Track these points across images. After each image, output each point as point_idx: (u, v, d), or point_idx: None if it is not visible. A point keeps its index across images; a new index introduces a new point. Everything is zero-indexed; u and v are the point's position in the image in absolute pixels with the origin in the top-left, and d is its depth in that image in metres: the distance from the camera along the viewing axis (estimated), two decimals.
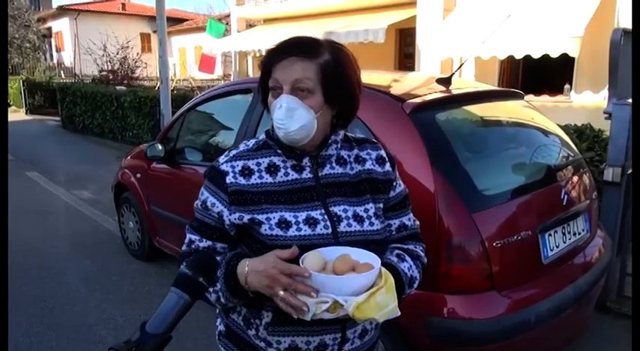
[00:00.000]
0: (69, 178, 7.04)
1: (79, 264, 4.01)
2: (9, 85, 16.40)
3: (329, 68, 1.10)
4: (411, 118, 2.07)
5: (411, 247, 1.25)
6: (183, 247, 1.20)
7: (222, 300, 1.10)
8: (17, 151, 9.16)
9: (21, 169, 7.68)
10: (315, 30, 10.20)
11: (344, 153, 1.21)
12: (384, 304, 0.97)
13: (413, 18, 9.55)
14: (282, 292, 0.99)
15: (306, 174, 1.16)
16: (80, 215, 5.37)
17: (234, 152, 1.19)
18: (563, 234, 2.22)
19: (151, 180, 3.72)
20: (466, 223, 1.89)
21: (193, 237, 1.18)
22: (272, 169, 1.16)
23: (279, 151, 1.17)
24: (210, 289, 1.10)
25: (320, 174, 1.17)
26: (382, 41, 9.13)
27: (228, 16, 15.37)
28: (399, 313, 1.00)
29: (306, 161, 1.16)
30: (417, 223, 1.30)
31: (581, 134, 3.88)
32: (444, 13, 9.13)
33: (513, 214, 2.05)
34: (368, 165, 1.22)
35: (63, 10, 25.23)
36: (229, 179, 1.14)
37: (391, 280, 1.02)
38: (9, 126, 11.85)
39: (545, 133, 2.58)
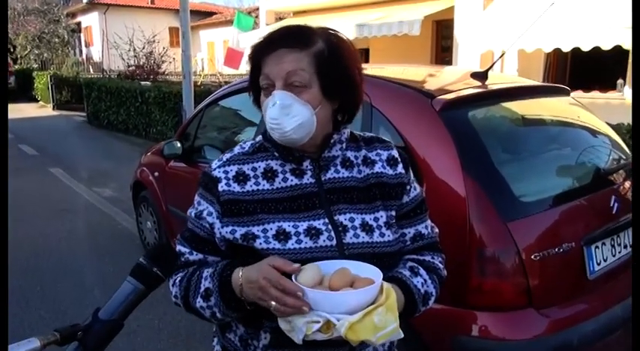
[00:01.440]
0: (91, 175, 7.20)
1: (96, 264, 4.06)
2: (38, 80, 16.99)
3: (324, 57, 1.03)
4: (440, 115, 1.98)
5: (427, 258, 1.16)
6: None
7: (219, 315, 1.04)
8: (42, 146, 9.46)
9: (45, 165, 7.91)
10: (347, 22, 10.12)
11: (350, 154, 1.13)
12: (383, 325, 0.90)
13: (451, 8, 9.36)
14: (273, 303, 0.92)
15: (308, 179, 1.09)
16: (100, 213, 5.46)
17: (228, 156, 1.13)
18: (612, 246, 2.08)
19: (169, 179, 3.73)
20: (500, 232, 1.79)
21: (183, 249, 1.12)
22: (269, 175, 1.09)
23: (276, 153, 1.10)
24: (204, 305, 1.04)
25: (323, 178, 1.09)
26: (417, 33, 8.96)
27: (257, 9, 15.46)
28: (402, 335, 0.93)
29: (306, 165, 1.09)
30: (436, 230, 1.21)
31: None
32: (485, 2, 8.90)
33: (555, 224, 1.93)
34: (377, 167, 1.13)
35: (92, 5, 25.97)
36: (222, 187, 1.08)
37: (393, 297, 0.94)
38: (36, 121, 12.23)
39: (594, 133, 2.44)
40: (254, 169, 1.10)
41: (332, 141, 1.10)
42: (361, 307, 0.90)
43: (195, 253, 1.11)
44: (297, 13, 13.65)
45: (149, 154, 4.25)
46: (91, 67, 23.31)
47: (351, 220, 1.07)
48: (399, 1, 10.31)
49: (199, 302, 1.05)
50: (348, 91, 1.07)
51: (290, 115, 1.01)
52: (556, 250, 1.84)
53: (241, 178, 1.08)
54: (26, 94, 17.77)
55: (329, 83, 1.04)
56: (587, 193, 2.09)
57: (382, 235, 1.08)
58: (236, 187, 1.08)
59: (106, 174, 7.29)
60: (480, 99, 2.21)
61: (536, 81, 3.00)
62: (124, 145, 9.95)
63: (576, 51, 7.24)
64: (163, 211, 3.83)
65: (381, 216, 1.09)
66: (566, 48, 7.14)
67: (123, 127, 11.18)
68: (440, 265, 1.17)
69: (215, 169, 1.10)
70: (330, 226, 1.05)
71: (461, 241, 1.79)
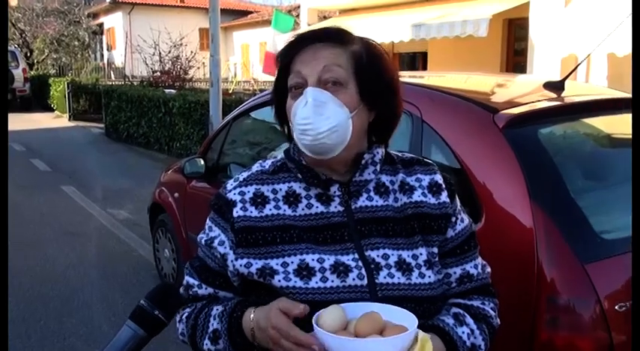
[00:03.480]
0: (106, 195, 7.46)
1: (107, 297, 4.18)
2: (54, 87, 17.86)
3: (362, 59, 1.06)
4: (504, 133, 1.96)
5: (475, 303, 1.14)
6: (182, 291, 1.18)
7: None
8: (55, 162, 9.89)
9: (57, 182, 8.26)
10: (401, 22, 10.18)
11: (385, 179, 1.13)
12: None
13: (525, 5, 9.26)
14: None
15: (335, 206, 1.09)
16: (114, 238, 5.64)
17: (245, 175, 1.15)
18: None
19: (190, 201, 3.82)
20: (576, 276, 1.73)
21: (192, 281, 1.15)
22: (291, 199, 1.10)
23: (299, 175, 1.11)
24: (212, 348, 1.07)
25: (353, 207, 1.09)
26: (485, 35, 8.90)
27: (298, 7, 15.79)
28: None
29: (334, 190, 1.10)
30: (488, 270, 1.20)
31: None
32: None
33: None
34: (417, 195, 1.12)
35: (116, 4, 27.29)
36: (237, 212, 1.09)
37: (429, 348, 0.93)
38: (50, 133, 12.75)
39: None
40: (274, 192, 1.10)
41: (363, 162, 1.09)
42: None
43: (204, 286, 1.13)
44: (343, 12, 13.84)
45: (169, 172, 4.37)
46: (112, 72, 24.35)
47: (385, 257, 1.06)
48: None
49: (207, 345, 1.07)
50: (386, 99, 1.09)
51: (324, 115, 1.02)
52: None
53: (259, 200, 1.09)
54: (41, 103, 18.70)
55: (367, 86, 1.06)
56: None
57: (422, 275, 1.06)
58: (253, 212, 1.08)
59: (123, 194, 7.54)
60: (553, 114, 2.18)
61: (627, 92, 2.91)
62: (144, 161, 10.28)
63: None
64: (183, 239, 3.92)
65: (421, 253, 1.08)
66: None
67: (144, 140, 11.56)
68: (492, 311, 1.15)
69: (230, 191, 1.12)
70: (360, 263, 1.05)
71: (527, 287, 1.74)
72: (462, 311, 1.11)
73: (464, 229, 1.15)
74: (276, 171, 1.13)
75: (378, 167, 1.12)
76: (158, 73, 16.40)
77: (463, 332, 1.07)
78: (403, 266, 1.06)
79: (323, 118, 1.01)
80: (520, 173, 1.86)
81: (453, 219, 1.14)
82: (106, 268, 4.76)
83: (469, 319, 1.10)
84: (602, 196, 2.06)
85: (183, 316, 1.14)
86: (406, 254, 1.07)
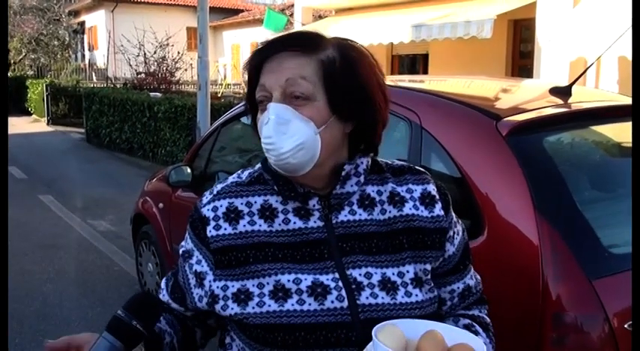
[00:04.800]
0: (87, 205, 7.45)
1: (86, 313, 4.17)
2: (31, 90, 17.85)
3: (334, 66, 1.03)
4: (507, 141, 1.97)
5: (476, 313, 1.19)
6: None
7: None
8: (32, 169, 9.87)
9: (34, 191, 8.24)
10: (401, 22, 10.23)
11: (371, 190, 1.12)
12: None
13: (532, 5, 9.33)
14: None
15: (315, 221, 1.08)
16: (94, 251, 5.63)
17: (219, 187, 1.15)
18: None
19: (175, 212, 3.82)
20: (584, 292, 1.74)
21: (162, 285, 1.20)
22: (267, 214, 1.09)
23: (275, 188, 1.10)
24: None
25: (334, 221, 1.08)
26: (489, 36, 8.95)
27: (292, 6, 15.84)
28: None
29: (313, 203, 1.08)
30: (479, 277, 1.23)
31: None
32: None
33: None
34: (408, 208, 1.11)
35: (99, 2, 27.28)
36: (210, 231, 1.09)
37: None
38: (27, 139, 12.68)
39: None
40: (249, 205, 1.10)
41: (344, 173, 1.07)
42: None
43: (165, 293, 1.19)
44: (340, 11, 13.90)
45: (154, 180, 4.37)
46: (94, 74, 24.34)
47: (368, 275, 1.05)
48: None
49: None
50: (362, 110, 1.05)
51: (288, 134, 1.00)
52: None
53: (233, 216, 1.08)
54: (17, 106, 18.67)
55: (338, 97, 1.03)
56: None
57: (409, 294, 1.06)
58: (227, 229, 1.08)
59: (104, 203, 7.53)
60: (559, 121, 2.19)
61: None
62: (127, 169, 10.28)
63: None
64: (167, 252, 3.91)
65: (408, 271, 1.07)
66: None
67: (127, 146, 11.56)
68: (488, 318, 1.20)
69: (205, 206, 1.11)
70: (340, 283, 1.04)
71: (532, 303, 1.75)
72: (471, 322, 1.14)
73: (461, 241, 1.16)
74: (252, 182, 1.12)
75: (362, 178, 1.10)
76: (142, 75, 16.40)
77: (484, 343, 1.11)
78: (387, 285, 1.05)
79: (286, 136, 1.00)
80: (524, 183, 1.87)
81: (450, 233, 1.13)
82: (85, 283, 4.75)
83: (479, 329, 1.14)
84: (610, 207, 2.07)
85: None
86: (391, 272, 1.06)
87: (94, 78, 23.34)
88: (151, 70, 16.45)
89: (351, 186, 1.09)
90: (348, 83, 1.03)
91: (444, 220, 1.12)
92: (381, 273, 1.06)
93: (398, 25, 10.12)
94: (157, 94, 12.75)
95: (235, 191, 1.11)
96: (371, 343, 0.91)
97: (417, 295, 1.06)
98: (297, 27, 13.88)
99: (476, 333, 1.10)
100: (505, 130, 1.99)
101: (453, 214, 1.16)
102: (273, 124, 1.00)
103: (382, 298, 1.04)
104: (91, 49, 28.68)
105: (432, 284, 1.10)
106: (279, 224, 1.08)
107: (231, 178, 1.15)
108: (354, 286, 1.04)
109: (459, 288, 1.16)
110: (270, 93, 1.02)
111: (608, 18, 7.89)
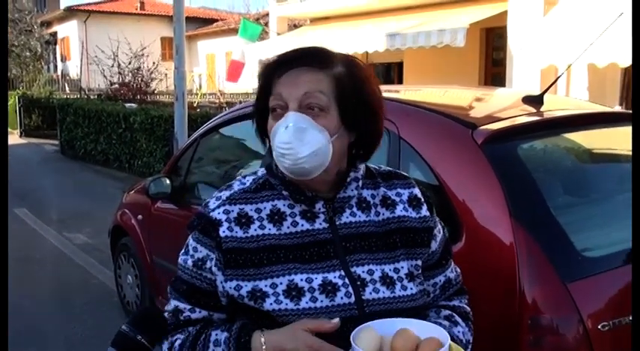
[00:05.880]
0: (62, 218, 7.36)
1: (64, 329, 4.11)
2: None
3: (345, 81, 1.13)
4: (483, 149, 2.02)
5: (457, 303, 1.30)
6: (168, 316, 1.21)
7: None
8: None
9: (8, 204, 8.09)
10: (376, 31, 10.33)
11: (367, 193, 1.22)
12: None
13: (503, 14, 9.49)
14: None
15: (320, 223, 1.17)
16: (71, 264, 5.56)
17: (227, 193, 1.20)
18: None
19: (155, 223, 3.81)
20: (559, 295, 1.78)
21: (182, 305, 1.19)
22: (276, 217, 1.16)
23: (284, 192, 1.17)
24: None
25: (338, 223, 1.18)
26: (462, 45, 9.08)
27: (267, 15, 15.89)
28: None
29: (319, 207, 1.17)
30: (458, 270, 1.35)
31: None
32: (546, 7, 9.01)
33: (628, 285, 1.90)
34: (399, 210, 1.22)
35: (71, 12, 27.04)
36: (224, 231, 1.15)
37: None
38: None
39: None
40: (258, 211, 1.17)
41: (349, 179, 1.18)
42: None
43: (197, 309, 1.19)
44: (315, 20, 13.97)
45: (132, 192, 4.35)
46: (66, 85, 24.05)
47: (370, 272, 1.15)
48: (440, 6, 10.51)
49: None
50: (368, 121, 1.17)
51: (305, 140, 1.09)
52: (629, 318, 1.82)
53: (244, 221, 1.15)
54: None
55: (349, 110, 1.13)
56: None
57: (404, 288, 1.17)
58: (239, 232, 1.14)
59: (81, 216, 7.44)
60: (533, 129, 2.24)
61: (609, 104, 3.03)
62: (103, 181, 10.16)
63: None
64: (147, 264, 3.90)
65: (402, 267, 1.18)
66: None
67: (102, 158, 11.44)
68: (468, 308, 1.32)
69: (214, 210, 1.17)
70: (347, 280, 1.14)
71: (509, 307, 1.78)
72: (451, 312, 1.26)
73: (442, 238, 1.28)
74: (259, 189, 1.19)
75: (360, 183, 1.20)
76: (117, 86, 16.27)
77: (459, 331, 1.22)
78: (387, 280, 1.15)
79: (303, 143, 1.08)
80: (500, 190, 1.91)
81: (435, 231, 1.25)
82: (62, 298, 4.69)
83: (458, 319, 1.25)
84: (583, 212, 2.12)
85: (176, 344, 1.18)
86: (388, 268, 1.17)
87: (67, 89, 23.06)
88: (126, 81, 16.33)
89: (352, 190, 1.19)
90: (356, 98, 1.14)
91: (430, 220, 1.24)
92: (380, 269, 1.16)
93: (373, 34, 10.22)
94: (133, 104, 12.65)
95: (245, 198, 1.18)
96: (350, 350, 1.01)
97: (411, 289, 1.17)
98: (273, 36, 13.93)
99: (455, 323, 1.23)
100: (481, 139, 2.03)
101: (436, 215, 1.27)
102: (293, 131, 1.09)
103: (383, 292, 1.14)
104: (63, 59, 28.36)
105: (422, 278, 1.21)
106: (288, 227, 1.16)
107: (237, 186, 1.21)
108: (358, 283, 1.14)
109: (440, 281, 1.28)
110: (286, 103, 1.11)
111: (577, 27, 8.06)
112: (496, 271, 1.86)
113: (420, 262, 1.20)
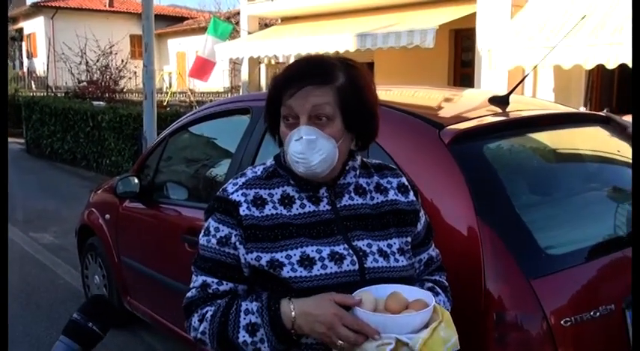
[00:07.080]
0: (28, 217, 7.22)
1: (31, 331, 4.04)
2: None
3: (347, 91, 1.30)
4: (450, 149, 2.04)
5: (437, 278, 1.53)
6: (192, 292, 1.38)
7: (264, 350, 1.26)
8: None
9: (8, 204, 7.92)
10: (346, 31, 10.37)
11: (362, 181, 1.43)
12: (448, 338, 1.22)
13: (472, 16, 9.62)
14: (340, 342, 1.18)
15: (324, 206, 1.37)
16: (37, 265, 5.47)
17: (242, 180, 1.39)
18: None
19: (123, 223, 3.76)
20: (523, 292, 1.82)
21: (209, 280, 1.35)
22: (286, 201, 1.36)
23: (292, 181, 1.38)
24: (249, 340, 1.26)
25: (338, 205, 1.38)
26: (431, 46, 9.17)
27: (238, 14, 15.81)
28: (459, 347, 1.24)
29: (322, 192, 1.37)
30: (438, 250, 1.58)
31: None
32: (513, 9, 9.16)
33: (590, 282, 1.96)
34: (391, 195, 1.44)
35: (37, 8, 26.51)
36: (243, 210, 1.33)
37: (447, 313, 1.26)
38: None
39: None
40: (270, 195, 1.37)
41: (347, 168, 1.38)
42: (421, 326, 1.21)
43: (225, 282, 1.35)
44: (286, 20, 13.97)
45: (100, 191, 4.30)
46: (33, 82, 23.59)
47: (369, 246, 1.36)
48: (409, 7, 10.60)
49: (243, 337, 1.28)
50: (367, 123, 1.36)
51: (315, 149, 1.28)
52: (592, 314, 1.86)
53: (259, 202, 1.35)
54: None
55: (351, 117, 1.32)
56: (630, 244, 2.12)
57: (397, 260, 1.38)
58: (255, 212, 1.33)
59: (47, 216, 7.33)
60: (499, 129, 2.28)
61: (574, 105, 3.09)
62: (70, 180, 10.00)
63: (625, 68, 7.41)
64: (115, 263, 3.85)
65: (394, 243, 1.40)
66: (612, 64, 7.30)
67: (69, 157, 11.26)
68: (447, 283, 1.55)
69: (233, 193, 1.36)
70: (351, 251, 1.34)
71: (475, 303, 1.80)
72: (433, 285, 1.48)
73: (425, 221, 1.51)
74: (270, 176, 1.39)
75: (357, 172, 1.41)
76: (85, 84, 16.02)
77: (440, 300, 1.42)
78: (382, 253, 1.36)
79: (315, 151, 1.28)
80: (466, 189, 1.94)
81: (420, 214, 1.48)
82: (29, 299, 4.61)
83: (440, 290, 1.47)
84: (547, 211, 2.16)
85: (208, 315, 1.32)
86: (382, 244, 1.38)
87: (34, 86, 22.61)
88: (94, 79, 16.09)
89: (350, 178, 1.40)
90: (358, 105, 1.32)
91: (416, 204, 1.48)
92: (377, 244, 1.37)
93: (343, 34, 10.26)
94: (101, 103, 12.48)
95: (258, 184, 1.38)
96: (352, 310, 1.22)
97: (402, 261, 1.39)
98: (243, 35, 13.88)
99: (437, 293, 1.44)
100: (448, 138, 2.06)
101: (420, 200, 1.51)
102: (305, 143, 1.28)
103: (381, 262, 1.35)
104: (29, 56, 27.81)
105: (411, 253, 1.43)
106: (297, 209, 1.36)
107: (250, 173, 1.41)
108: (360, 253, 1.34)
109: (424, 258, 1.51)
110: (297, 114, 1.29)
111: (544, 29, 8.23)
112: (462, 268, 1.88)
113: (409, 239, 1.42)
